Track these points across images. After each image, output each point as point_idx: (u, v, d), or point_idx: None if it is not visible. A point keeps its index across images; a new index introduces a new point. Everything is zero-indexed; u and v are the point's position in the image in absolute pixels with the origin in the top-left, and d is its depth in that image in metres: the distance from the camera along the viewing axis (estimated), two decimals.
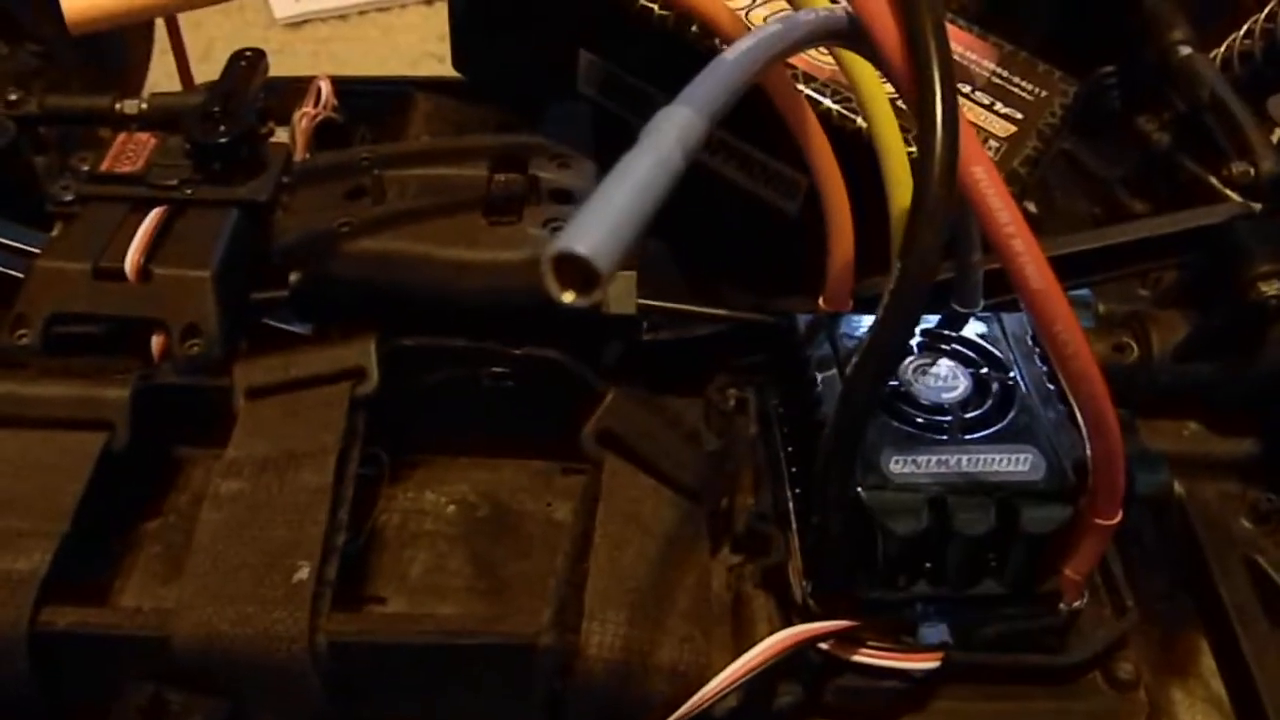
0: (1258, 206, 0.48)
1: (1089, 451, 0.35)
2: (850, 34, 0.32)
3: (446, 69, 0.64)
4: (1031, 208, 0.57)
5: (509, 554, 0.43)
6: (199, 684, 0.36)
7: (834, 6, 0.32)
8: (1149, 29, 0.59)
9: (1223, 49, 0.59)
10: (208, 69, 0.63)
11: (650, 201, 0.21)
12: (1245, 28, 0.58)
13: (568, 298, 0.20)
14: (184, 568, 0.37)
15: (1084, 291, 0.51)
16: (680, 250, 0.53)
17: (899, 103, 0.39)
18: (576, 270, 0.20)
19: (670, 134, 0.22)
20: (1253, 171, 0.49)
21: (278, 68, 0.57)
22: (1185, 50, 0.57)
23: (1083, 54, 0.60)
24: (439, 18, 0.60)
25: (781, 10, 0.50)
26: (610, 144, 0.55)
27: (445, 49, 0.65)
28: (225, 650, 0.35)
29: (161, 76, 0.79)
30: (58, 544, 0.37)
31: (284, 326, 0.48)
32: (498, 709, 0.38)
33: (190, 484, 0.45)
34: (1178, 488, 0.46)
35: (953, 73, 0.30)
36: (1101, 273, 0.49)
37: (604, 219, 0.20)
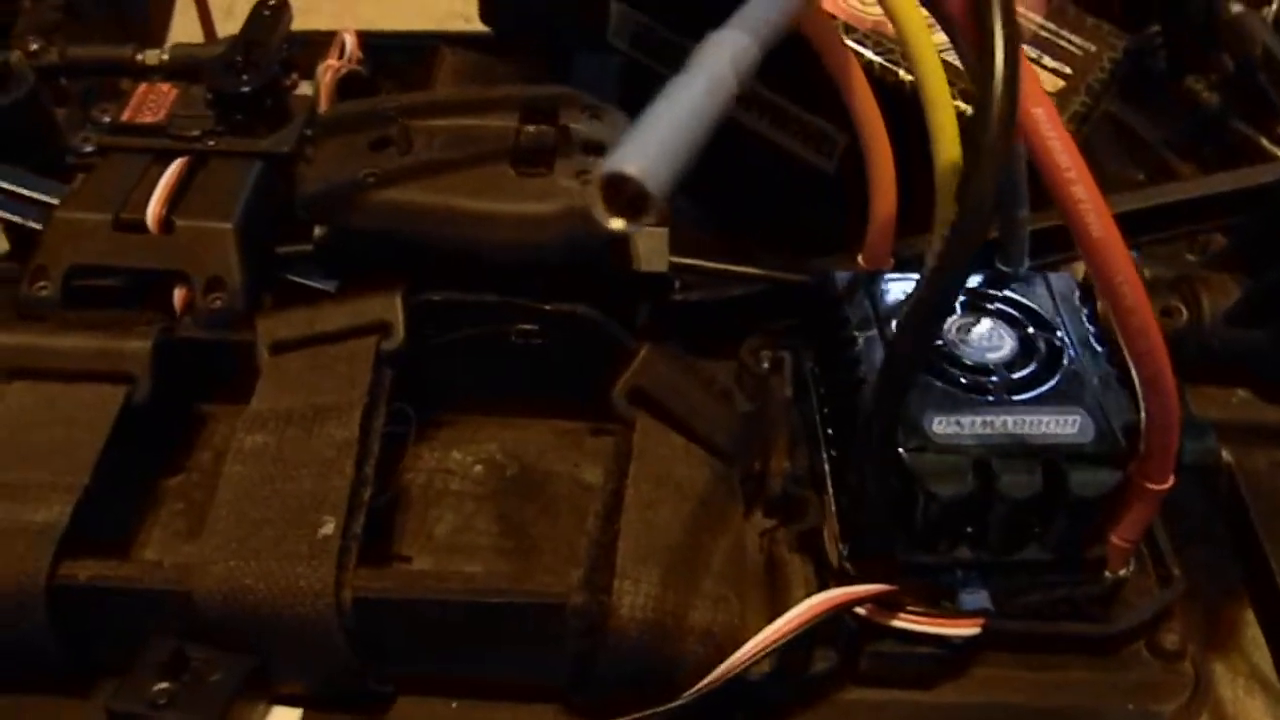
0: None
1: (1143, 411, 0.34)
2: None
3: (473, 28, 0.63)
4: None
5: (536, 515, 0.42)
6: (222, 640, 0.35)
7: None
8: None
9: (1274, 5, 0.57)
10: (231, 26, 0.62)
11: (703, 124, 0.20)
12: None
13: (617, 224, 0.19)
14: (207, 522, 0.36)
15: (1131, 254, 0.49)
16: (714, 209, 0.52)
17: (945, 55, 0.38)
18: (626, 194, 0.19)
19: (723, 56, 0.21)
20: None
21: (302, 25, 0.56)
22: (1236, 7, 0.55)
23: (1127, 13, 0.58)
24: None
25: None
26: (639, 97, 0.54)
27: (471, 9, 0.63)
28: (248, 605, 0.34)
29: (184, 33, 0.78)
30: (78, 496, 0.37)
31: (308, 283, 0.47)
32: (526, 669, 0.37)
33: (213, 440, 0.44)
34: (1226, 456, 0.44)
35: (1014, 9, 0.28)
36: (1150, 234, 0.48)
37: (656, 139, 0.19)
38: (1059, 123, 0.29)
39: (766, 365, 0.45)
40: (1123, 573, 0.39)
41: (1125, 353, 0.32)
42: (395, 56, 0.60)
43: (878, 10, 0.46)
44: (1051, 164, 0.28)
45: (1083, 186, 0.28)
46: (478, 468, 0.44)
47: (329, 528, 0.35)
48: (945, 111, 0.38)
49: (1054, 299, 0.41)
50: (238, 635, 0.35)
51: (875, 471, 0.35)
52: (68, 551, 0.36)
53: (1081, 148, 0.51)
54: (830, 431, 0.42)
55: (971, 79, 0.29)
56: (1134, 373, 0.33)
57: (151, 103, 0.49)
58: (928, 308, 0.30)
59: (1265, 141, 0.52)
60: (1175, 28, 0.60)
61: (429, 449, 0.44)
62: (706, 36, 0.22)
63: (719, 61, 0.21)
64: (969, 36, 0.29)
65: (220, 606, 0.35)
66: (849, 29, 0.47)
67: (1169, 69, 0.60)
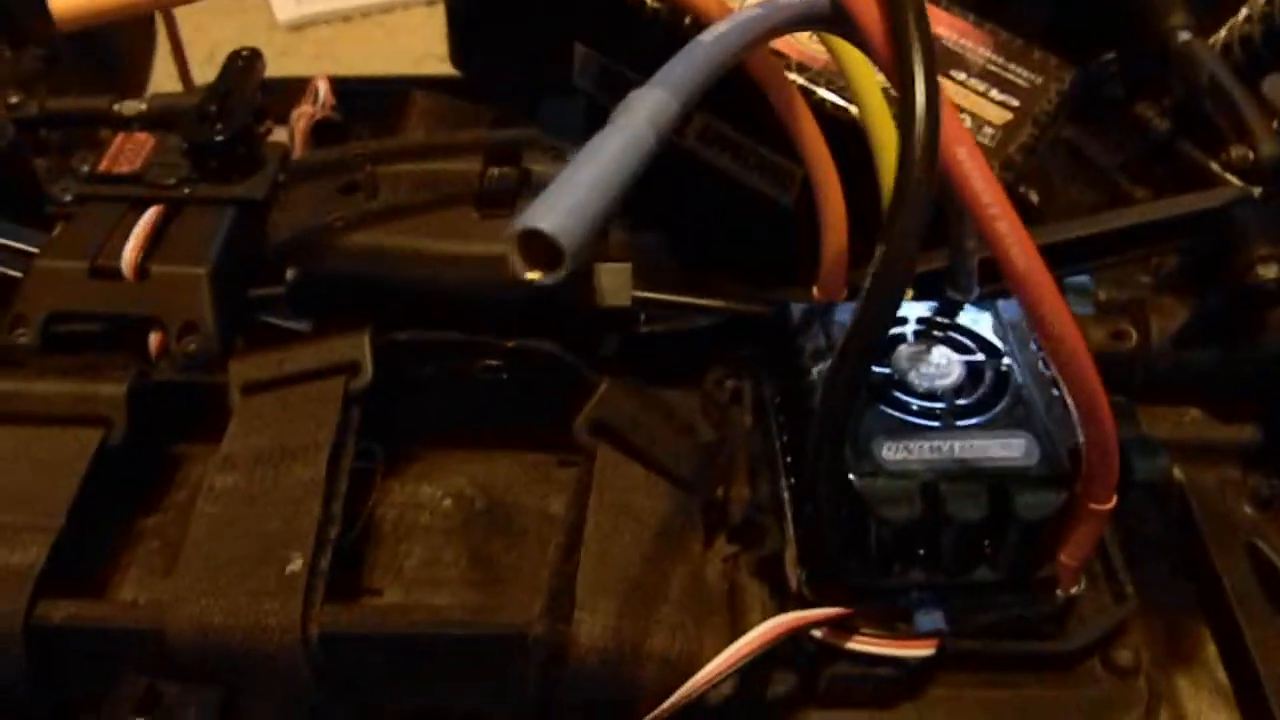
0: (1257, 190, 0.48)
1: (1081, 436, 0.35)
2: (833, 18, 0.32)
3: (449, 69, 0.64)
4: (1033, 197, 0.56)
5: (505, 547, 0.43)
6: (193, 675, 0.36)
7: None
8: (1147, 14, 0.58)
9: (1222, 33, 0.58)
10: (210, 71, 0.63)
11: (619, 180, 0.21)
12: (1244, 12, 0.57)
13: (533, 276, 0.20)
14: (178, 561, 0.37)
15: (1083, 278, 0.51)
16: (676, 242, 0.53)
17: (892, 92, 0.40)
18: (542, 248, 0.20)
19: (641, 113, 0.22)
20: (1251, 155, 0.49)
21: (280, 70, 0.58)
22: (1184, 35, 0.56)
23: (1082, 41, 0.59)
24: (440, 19, 0.60)
25: None
26: None
27: (446, 49, 0.65)
28: (218, 642, 0.35)
29: (164, 80, 0.80)
30: (54, 539, 0.38)
31: (281, 323, 0.48)
32: (490, 699, 0.38)
33: (187, 480, 0.45)
34: (1178, 474, 0.45)
35: (934, 55, 0.30)
36: (1101, 258, 0.49)
37: (569, 196, 0.20)
38: (982, 161, 0.30)
39: (728, 394, 0.47)
40: (1074, 591, 0.40)
41: (1059, 380, 0.34)
42: (367, 101, 0.61)
43: None
44: (975, 201, 0.30)
45: (1006, 222, 0.30)
46: (447, 501, 0.45)
47: (296, 565, 0.36)
48: (890, 149, 0.40)
49: (1002, 326, 0.42)
50: (209, 671, 0.36)
51: (826, 498, 0.36)
52: (44, 592, 0.37)
53: (1036, 177, 0.53)
54: (789, 459, 0.43)
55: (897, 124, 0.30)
56: (1068, 399, 0.34)
57: (129, 152, 0.50)
58: (860, 340, 0.31)
59: (1214, 166, 0.53)
60: (1129, 55, 0.62)
61: (399, 484, 0.45)
62: (629, 94, 0.24)
63: (637, 118, 0.22)
64: (892, 81, 0.30)
65: (191, 643, 0.36)
66: (801, 67, 0.48)
67: (1123, 94, 0.61)
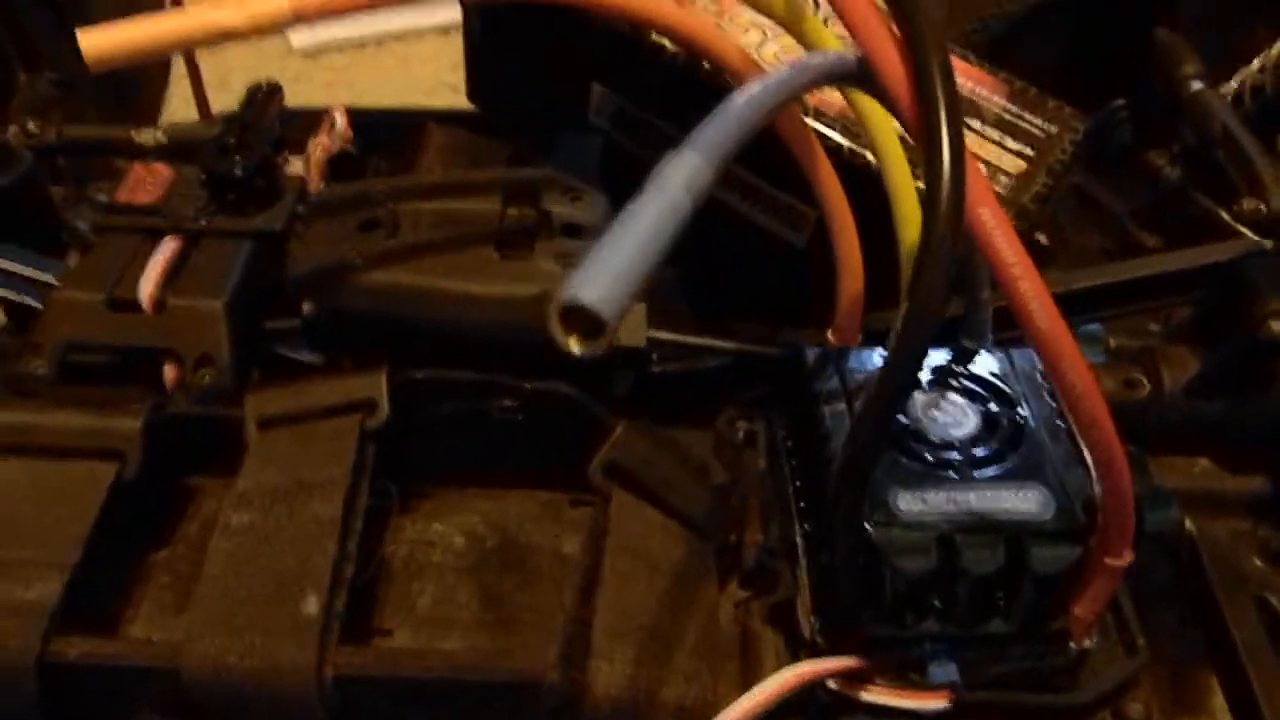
0: (1268, 243, 0.48)
1: (1098, 492, 0.35)
2: (859, 76, 0.32)
3: (462, 98, 0.65)
4: (1043, 239, 0.57)
5: (517, 586, 0.43)
6: (207, 715, 0.36)
7: (843, 50, 0.32)
8: (1160, 64, 0.59)
9: (1234, 83, 0.59)
10: (225, 97, 0.64)
11: (657, 249, 0.21)
12: (1257, 62, 0.58)
13: (574, 346, 0.20)
14: (193, 598, 0.37)
15: (1095, 326, 0.51)
16: (689, 282, 0.53)
17: (909, 139, 0.40)
18: (583, 319, 0.20)
19: (678, 181, 0.23)
20: (1263, 208, 0.49)
21: (295, 97, 0.58)
22: (1196, 85, 0.57)
23: (1094, 88, 0.60)
24: (454, 47, 0.60)
25: (790, 46, 0.51)
26: (619, 176, 0.55)
27: (461, 78, 0.65)
28: (233, 682, 0.35)
29: (180, 103, 0.81)
30: (68, 575, 0.38)
31: (296, 356, 0.48)
32: None
33: (201, 513, 0.45)
34: (1189, 525, 0.45)
35: (960, 115, 0.30)
36: (1113, 308, 0.49)
37: (611, 268, 0.20)
38: (1005, 222, 0.30)
39: (742, 436, 0.47)
40: (1087, 644, 0.40)
41: (1078, 436, 0.34)
42: (384, 133, 0.61)
43: None
44: (999, 262, 0.30)
45: (1027, 282, 0.30)
46: (459, 540, 0.45)
47: (312, 605, 0.36)
48: (908, 197, 0.40)
49: (1017, 375, 0.42)
50: (222, 710, 0.36)
51: (843, 549, 0.36)
52: (58, 628, 0.37)
53: (1046, 221, 0.53)
54: (802, 504, 0.43)
55: (923, 183, 0.30)
56: (1087, 455, 0.34)
57: (147, 183, 0.51)
58: (885, 397, 0.31)
59: (1225, 216, 0.53)
60: (1140, 102, 0.62)
61: (411, 521, 0.45)
62: (664, 158, 0.24)
63: (673, 185, 0.22)
64: (918, 141, 0.30)
65: (205, 683, 0.36)
66: (818, 113, 0.49)
67: (1134, 141, 0.62)
